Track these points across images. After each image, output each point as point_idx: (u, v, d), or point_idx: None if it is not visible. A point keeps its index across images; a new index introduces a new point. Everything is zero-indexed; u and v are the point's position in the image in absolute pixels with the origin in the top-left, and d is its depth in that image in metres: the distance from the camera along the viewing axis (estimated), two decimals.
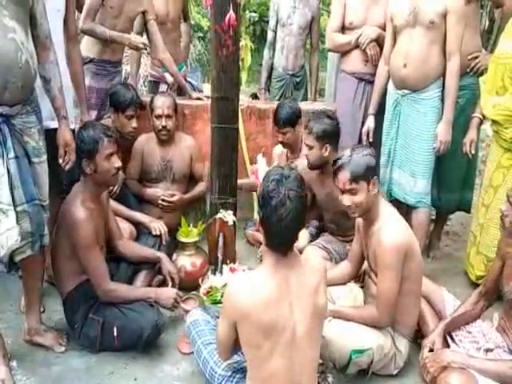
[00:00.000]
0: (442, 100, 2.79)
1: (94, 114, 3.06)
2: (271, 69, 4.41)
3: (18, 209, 1.96)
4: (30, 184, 2.02)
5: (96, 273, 2.27)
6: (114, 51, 3.17)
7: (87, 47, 3.11)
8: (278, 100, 4.20)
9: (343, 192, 2.16)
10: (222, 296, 2.16)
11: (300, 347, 1.65)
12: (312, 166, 2.78)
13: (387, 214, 2.17)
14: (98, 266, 2.28)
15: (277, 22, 4.22)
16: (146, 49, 3.25)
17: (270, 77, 4.45)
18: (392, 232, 2.09)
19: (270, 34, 4.36)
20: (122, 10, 3.11)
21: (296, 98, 4.22)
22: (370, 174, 2.12)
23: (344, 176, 2.12)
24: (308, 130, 2.71)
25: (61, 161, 2.23)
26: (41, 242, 2.11)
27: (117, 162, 2.31)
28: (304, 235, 2.95)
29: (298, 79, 4.32)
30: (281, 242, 1.65)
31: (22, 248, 2.00)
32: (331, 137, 2.71)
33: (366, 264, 2.39)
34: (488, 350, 2.09)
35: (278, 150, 3.25)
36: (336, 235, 2.94)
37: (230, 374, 1.95)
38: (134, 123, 2.94)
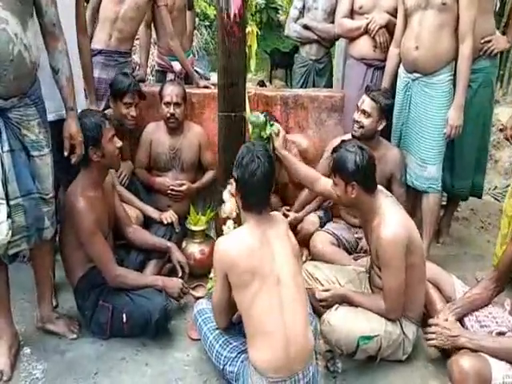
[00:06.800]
0: (454, 84, 2.74)
1: (102, 105, 3.06)
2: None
3: (12, 202, 1.93)
4: (27, 178, 1.97)
5: (101, 259, 2.30)
6: (119, 41, 3.17)
7: (94, 39, 3.11)
8: (301, 86, 4.16)
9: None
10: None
11: (287, 287, 1.84)
12: (363, 135, 2.73)
13: (385, 209, 2.12)
14: (102, 252, 2.30)
15: (303, 8, 4.13)
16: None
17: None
18: (390, 228, 2.05)
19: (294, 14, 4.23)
20: None
21: (318, 84, 4.18)
22: (348, 175, 2.10)
23: None
24: (374, 98, 2.71)
25: (66, 154, 2.15)
26: (39, 235, 2.08)
27: (118, 142, 2.40)
28: (313, 219, 2.97)
29: (321, 66, 4.18)
30: (256, 199, 1.89)
31: (15, 242, 1.98)
32: (386, 116, 2.78)
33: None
34: (500, 334, 2.08)
35: None
36: (351, 222, 2.94)
37: (234, 355, 2.00)
38: (132, 111, 2.89)
